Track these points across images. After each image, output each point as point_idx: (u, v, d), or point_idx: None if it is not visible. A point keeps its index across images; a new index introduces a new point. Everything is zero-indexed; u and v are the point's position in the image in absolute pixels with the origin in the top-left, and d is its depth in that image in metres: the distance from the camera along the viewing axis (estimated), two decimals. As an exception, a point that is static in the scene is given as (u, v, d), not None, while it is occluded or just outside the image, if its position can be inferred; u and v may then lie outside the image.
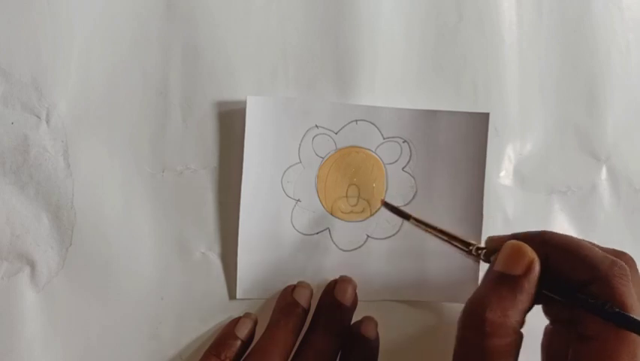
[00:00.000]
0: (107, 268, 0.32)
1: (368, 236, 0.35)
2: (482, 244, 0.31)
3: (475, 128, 0.35)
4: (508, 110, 0.37)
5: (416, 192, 0.35)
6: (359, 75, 0.35)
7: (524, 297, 0.25)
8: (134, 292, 0.32)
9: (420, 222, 0.32)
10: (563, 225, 0.38)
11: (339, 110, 0.34)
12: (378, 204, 0.34)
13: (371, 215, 0.34)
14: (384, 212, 0.34)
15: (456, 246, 0.31)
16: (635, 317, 0.24)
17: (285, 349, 0.30)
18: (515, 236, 0.28)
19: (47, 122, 0.32)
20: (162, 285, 0.33)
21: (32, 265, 0.31)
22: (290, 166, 0.34)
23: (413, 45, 0.37)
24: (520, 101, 0.38)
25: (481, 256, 0.29)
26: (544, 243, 0.27)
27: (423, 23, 0.37)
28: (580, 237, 0.37)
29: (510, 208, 0.37)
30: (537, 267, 0.26)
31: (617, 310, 0.24)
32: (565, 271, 0.26)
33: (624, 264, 0.26)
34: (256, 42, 0.34)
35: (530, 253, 0.26)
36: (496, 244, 0.29)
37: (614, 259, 0.26)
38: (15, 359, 0.31)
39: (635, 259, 0.39)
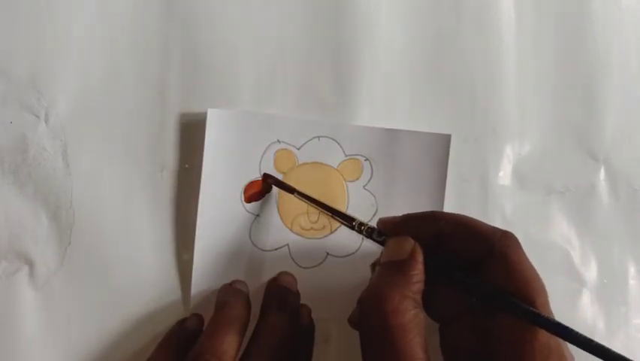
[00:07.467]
0: (105, 268, 0.32)
1: (328, 254, 0.34)
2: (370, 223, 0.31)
3: (436, 150, 0.34)
4: (507, 110, 0.37)
5: (376, 210, 0.34)
6: (359, 75, 0.35)
7: (415, 276, 0.26)
8: (133, 291, 0.32)
9: (304, 197, 0.32)
10: (561, 225, 0.38)
11: (302, 125, 0.34)
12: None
13: (331, 232, 0.34)
14: (345, 230, 0.33)
15: (340, 221, 0.31)
16: (537, 311, 0.25)
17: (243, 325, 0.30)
18: (407, 216, 0.29)
19: (46, 121, 0.32)
20: (162, 285, 0.33)
21: (31, 264, 0.31)
22: (250, 180, 0.33)
23: (412, 45, 0.37)
24: (519, 101, 0.38)
25: (364, 232, 0.30)
26: (436, 219, 0.28)
27: (422, 24, 0.37)
28: (579, 237, 0.38)
29: (508, 208, 0.37)
30: (419, 249, 0.27)
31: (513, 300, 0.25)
32: (458, 246, 0.27)
33: (514, 234, 0.27)
34: (255, 43, 0.34)
35: (411, 240, 0.27)
36: (385, 225, 0.30)
37: (505, 230, 0.27)
38: (14, 357, 0.31)
39: (634, 259, 0.39)
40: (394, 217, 0.30)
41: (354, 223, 0.30)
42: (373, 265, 0.32)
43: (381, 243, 0.29)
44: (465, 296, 0.28)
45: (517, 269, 0.26)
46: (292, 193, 0.33)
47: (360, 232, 0.30)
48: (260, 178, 0.33)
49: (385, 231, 0.29)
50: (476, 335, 0.27)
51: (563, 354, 0.24)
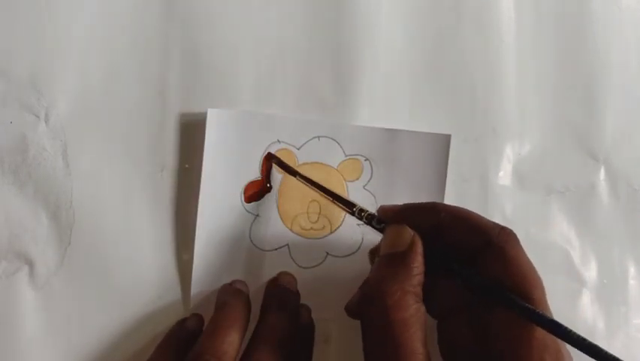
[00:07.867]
0: (105, 268, 0.32)
1: (327, 253, 0.34)
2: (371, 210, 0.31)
3: (436, 150, 0.34)
4: (507, 110, 0.37)
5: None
6: (359, 75, 0.35)
7: (416, 269, 0.26)
8: (133, 291, 0.32)
9: (306, 180, 0.32)
10: (561, 225, 0.38)
11: (302, 125, 0.34)
12: (339, 221, 0.34)
13: (331, 232, 0.34)
14: (345, 230, 0.34)
15: (340, 206, 0.31)
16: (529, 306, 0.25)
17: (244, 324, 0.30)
18: (407, 205, 0.30)
19: (46, 121, 0.32)
20: (162, 285, 0.33)
21: (31, 264, 0.31)
22: (250, 180, 0.34)
23: (412, 45, 0.37)
24: (519, 101, 0.38)
25: (364, 219, 0.30)
26: (437, 211, 0.28)
27: (422, 24, 0.37)
28: (579, 237, 0.38)
29: (509, 208, 0.37)
30: (419, 240, 0.27)
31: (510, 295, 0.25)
32: (456, 239, 0.28)
33: (512, 230, 0.27)
34: (255, 43, 0.34)
35: (410, 230, 0.27)
36: (385, 213, 0.30)
37: (503, 226, 0.27)
38: (14, 357, 0.31)
39: (634, 259, 0.39)
40: (395, 206, 0.30)
41: (354, 209, 0.30)
42: (372, 253, 0.32)
43: (381, 230, 0.29)
44: (462, 291, 0.28)
45: (515, 264, 0.26)
46: (294, 176, 0.33)
47: (360, 218, 0.30)
48: (260, 178, 0.33)
49: (385, 219, 0.29)
50: (474, 332, 0.27)
51: (559, 350, 0.24)
